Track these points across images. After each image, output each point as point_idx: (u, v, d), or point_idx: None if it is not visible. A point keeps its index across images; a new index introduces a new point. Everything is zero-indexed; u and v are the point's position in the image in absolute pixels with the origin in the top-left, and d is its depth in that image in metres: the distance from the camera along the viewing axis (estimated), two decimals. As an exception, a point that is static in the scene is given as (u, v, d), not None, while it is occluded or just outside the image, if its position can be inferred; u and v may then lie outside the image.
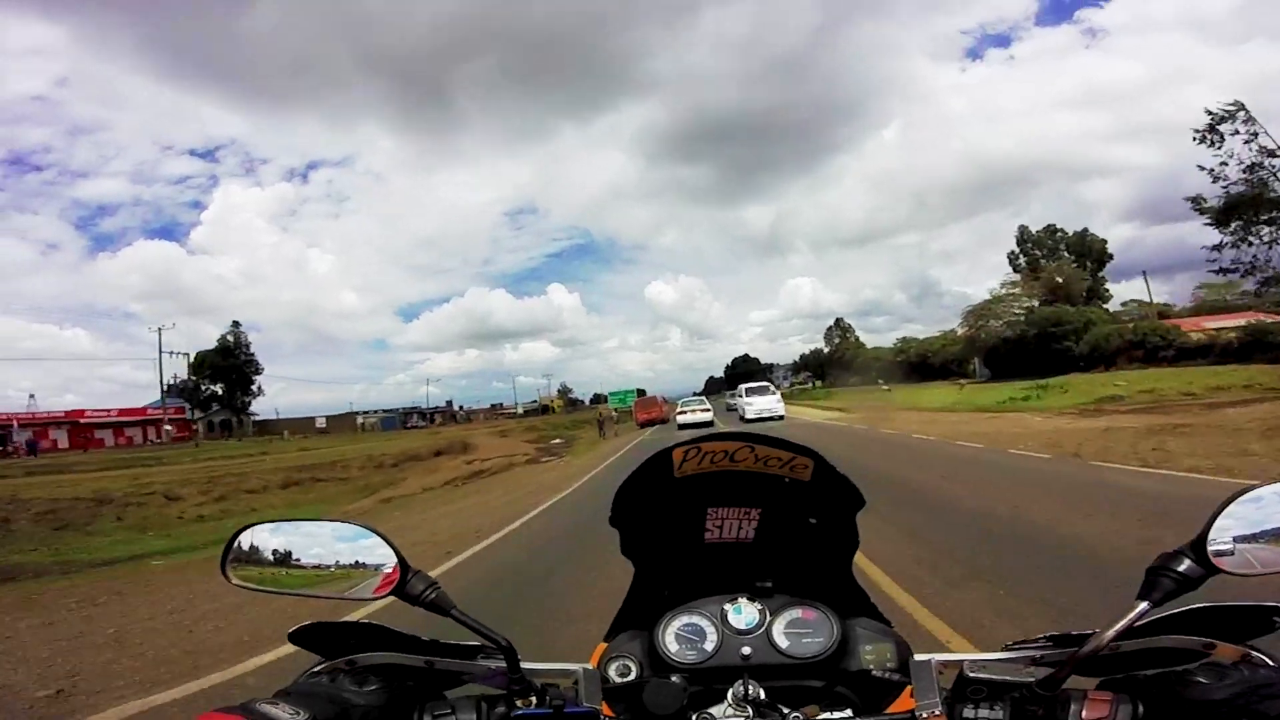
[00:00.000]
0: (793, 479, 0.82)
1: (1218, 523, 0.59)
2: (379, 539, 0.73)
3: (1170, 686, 0.60)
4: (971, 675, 0.65)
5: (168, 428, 54.80)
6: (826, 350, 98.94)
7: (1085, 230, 56.76)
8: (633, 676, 0.80)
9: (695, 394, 54.97)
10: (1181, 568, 0.59)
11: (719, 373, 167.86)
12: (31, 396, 56.26)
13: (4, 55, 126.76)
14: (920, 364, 66.17)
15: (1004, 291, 51.01)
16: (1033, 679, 0.62)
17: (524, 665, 0.71)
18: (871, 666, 0.79)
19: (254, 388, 65.88)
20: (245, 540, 0.75)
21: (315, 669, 0.71)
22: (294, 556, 0.74)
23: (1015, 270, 56.98)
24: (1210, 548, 0.59)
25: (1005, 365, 42.74)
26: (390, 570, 0.71)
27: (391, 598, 0.71)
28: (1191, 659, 0.62)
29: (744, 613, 0.83)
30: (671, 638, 0.83)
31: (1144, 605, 0.59)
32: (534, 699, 0.70)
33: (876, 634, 0.83)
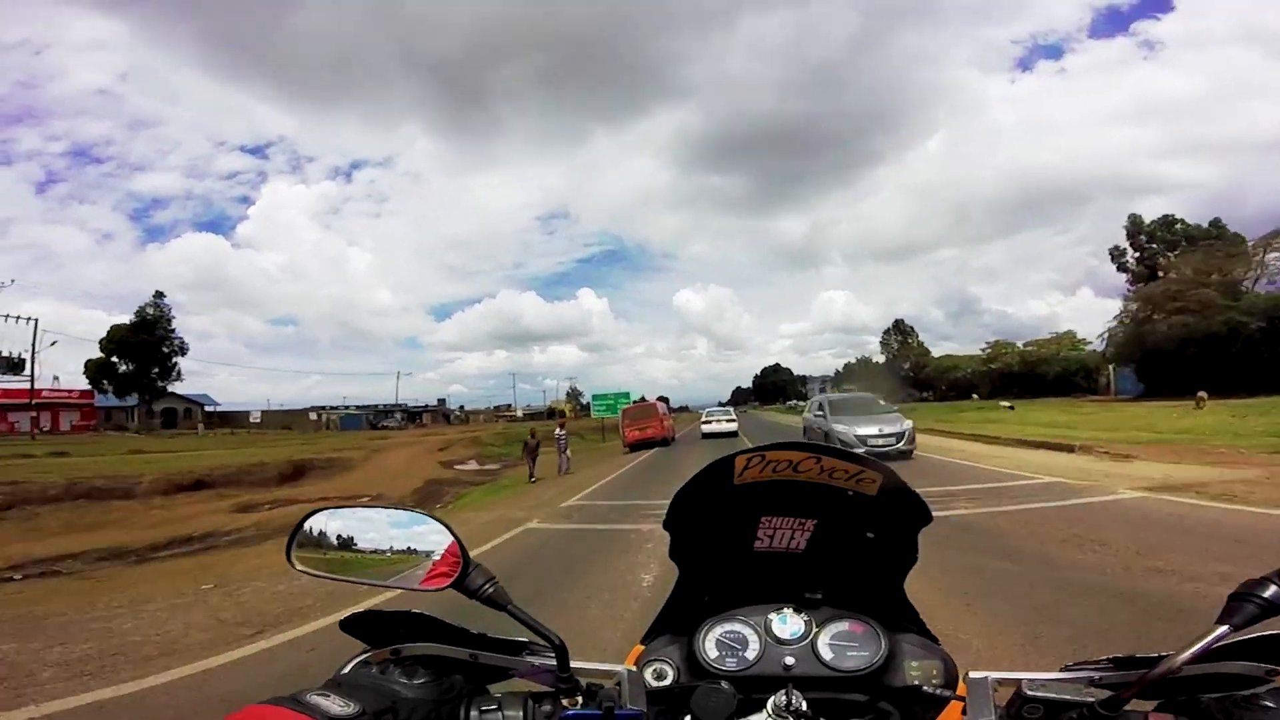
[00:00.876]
0: (856, 492, 0.80)
1: None
2: (442, 527, 0.74)
3: (1233, 711, 0.58)
4: (1029, 694, 0.63)
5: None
6: (884, 358, 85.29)
7: (1217, 222, 45.63)
8: (669, 681, 0.80)
9: (721, 404, 52.04)
10: (1267, 594, 0.57)
11: (746, 383, 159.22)
12: (56, 378, 50.38)
13: (67, 48, 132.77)
14: (1024, 376, 51.60)
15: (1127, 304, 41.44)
16: (1094, 699, 0.60)
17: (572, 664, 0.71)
18: (918, 682, 0.78)
19: (174, 369, 53.61)
20: (311, 525, 0.76)
21: (361, 657, 0.72)
22: (355, 543, 0.75)
23: (1122, 269, 49.14)
24: None
25: (1159, 376, 32.78)
26: (448, 559, 0.72)
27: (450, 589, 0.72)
28: (1254, 685, 0.60)
29: (789, 623, 0.83)
30: (712, 644, 0.82)
31: (1223, 629, 0.57)
32: (580, 699, 0.70)
33: (924, 650, 0.81)
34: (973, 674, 0.70)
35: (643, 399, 37.01)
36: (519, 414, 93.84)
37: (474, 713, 0.70)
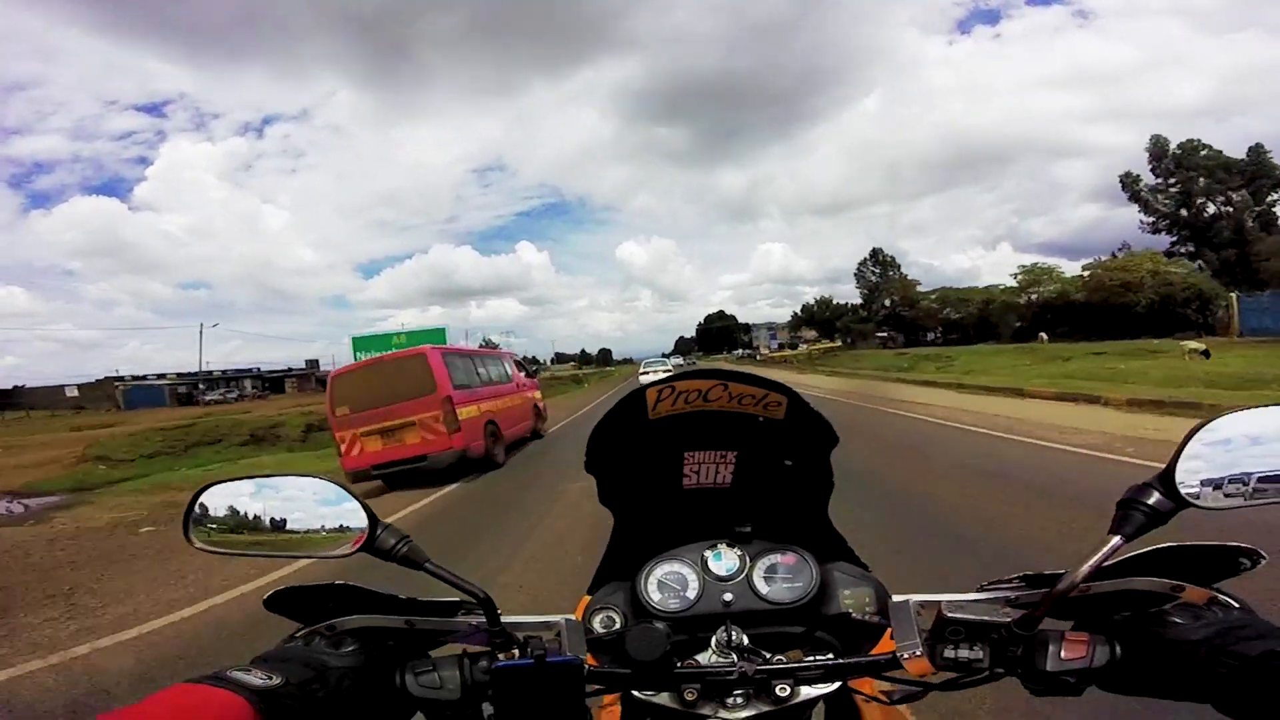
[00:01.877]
0: (767, 418, 0.81)
1: (1184, 454, 0.59)
2: (345, 493, 0.70)
3: (1145, 627, 0.60)
4: (950, 616, 0.64)
5: None
6: (860, 293, 70.63)
7: (1258, 148, 40.06)
8: (617, 627, 0.80)
9: (664, 355, 53.24)
10: (1151, 500, 0.59)
11: (690, 333, 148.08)
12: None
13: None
14: (1084, 308, 39.00)
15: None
16: (1010, 619, 0.62)
17: (505, 619, 0.70)
18: (851, 610, 0.80)
19: None
20: (206, 500, 0.71)
21: (294, 635, 0.70)
22: (258, 516, 0.71)
23: (1136, 199, 43.48)
24: (1178, 479, 0.58)
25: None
26: (361, 527, 0.69)
27: (362, 554, 0.68)
28: (1162, 601, 0.62)
29: (724, 559, 0.83)
30: (654, 586, 0.82)
31: (1116, 540, 0.58)
32: (516, 651, 0.69)
33: (855, 578, 0.83)
34: (895, 598, 0.71)
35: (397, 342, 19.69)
36: None
37: (408, 676, 0.68)
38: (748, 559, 0.82)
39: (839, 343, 69.81)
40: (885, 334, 63.31)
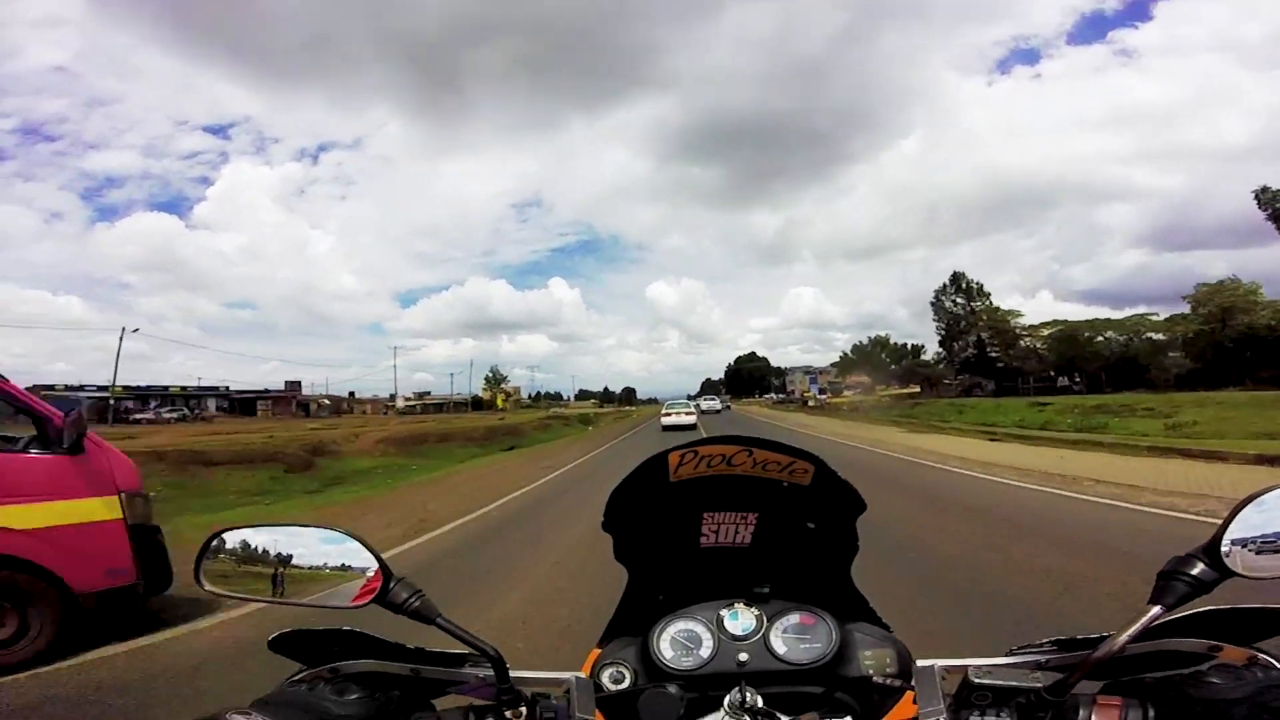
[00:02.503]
0: (791, 483, 0.80)
1: (1232, 526, 0.58)
2: (360, 545, 0.70)
3: (1180, 689, 0.58)
4: (976, 681, 0.63)
5: None
6: (940, 324, 54.91)
7: None
8: (626, 684, 0.78)
9: (690, 397, 50.37)
10: (1195, 571, 0.58)
11: (718, 374, 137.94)
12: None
13: (21, 25, 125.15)
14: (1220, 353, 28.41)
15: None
16: (1040, 684, 0.61)
17: (514, 674, 0.68)
18: (871, 672, 0.78)
19: None
20: (220, 544, 0.72)
21: (295, 677, 0.69)
22: (273, 562, 0.71)
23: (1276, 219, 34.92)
24: (1224, 550, 0.57)
25: None
26: (372, 576, 0.69)
27: (374, 605, 0.68)
28: (1198, 662, 0.61)
29: (741, 618, 0.81)
30: (667, 644, 0.80)
31: (1157, 609, 0.57)
32: (524, 709, 0.67)
33: (877, 639, 0.81)
34: (920, 662, 0.70)
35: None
36: (398, 403, 67.86)
37: None
38: (765, 619, 0.81)
39: (916, 388, 57.55)
40: (962, 379, 51.53)
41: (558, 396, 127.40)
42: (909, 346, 65.85)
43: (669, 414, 28.01)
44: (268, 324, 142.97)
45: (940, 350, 56.84)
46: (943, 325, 54.83)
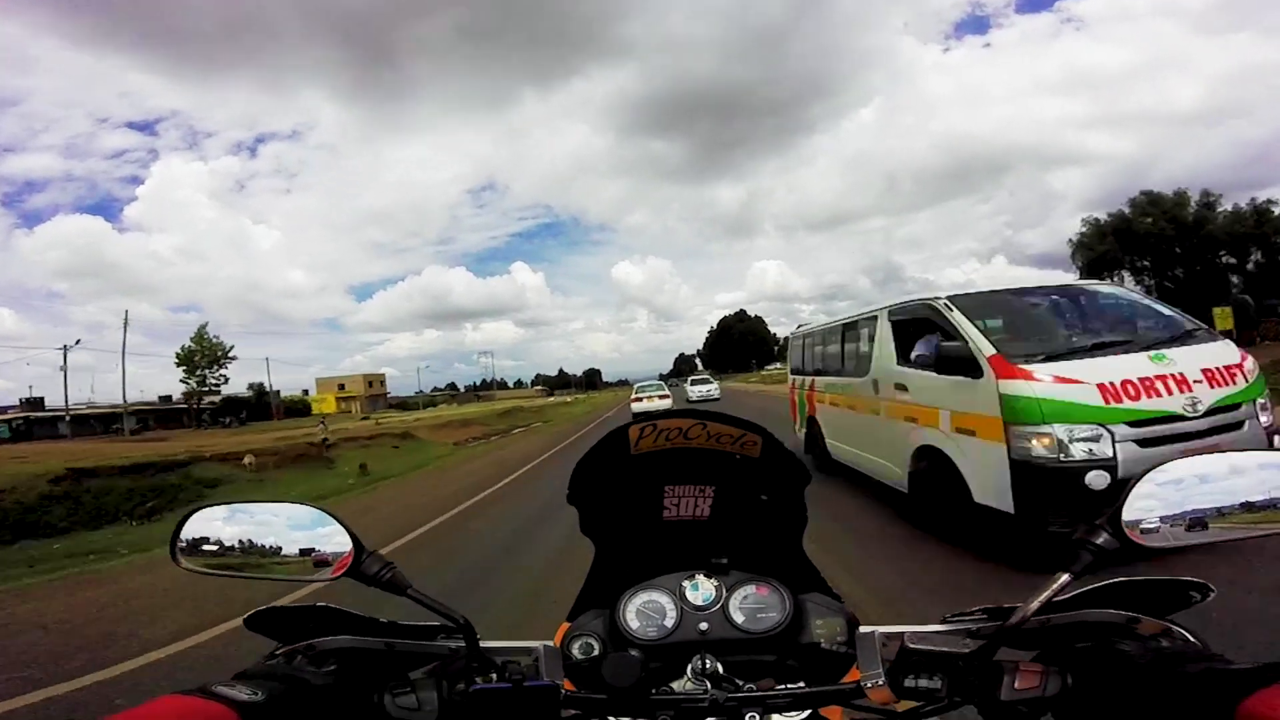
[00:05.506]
0: (743, 455, 0.86)
1: (1130, 498, 0.62)
2: (333, 520, 0.72)
3: (1097, 658, 0.63)
4: (911, 647, 0.68)
5: None
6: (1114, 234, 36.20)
7: None
8: (595, 654, 0.81)
9: (660, 376, 47.41)
10: (1099, 540, 0.62)
11: (690, 350, 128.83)
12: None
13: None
14: None
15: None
16: (967, 649, 0.66)
17: (484, 644, 0.72)
18: (822, 640, 0.81)
19: None
20: (195, 524, 0.74)
21: (274, 653, 0.71)
22: (246, 540, 0.73)
23: None
24: (1124, 521, 0.62)
25: None
26: (345, 552, 0.71)
27: (347, 579, 0.70)
28: (1117, 632, 0.65)
29: (701, 589, 0.85)
30: (633, 614, 0.84)
31: (1065, 577, 0.62)
32: (494, 675, 0.71)
33: (827, 609, 0.84)
34: (861, 629, 0.75)
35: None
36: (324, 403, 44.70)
37: (387, 697, 0.69)
38: (724, 589, 0.84)
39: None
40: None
41: (502, 385, 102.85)
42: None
43: (639, 398, 24.02)
44: (216, 326, 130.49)
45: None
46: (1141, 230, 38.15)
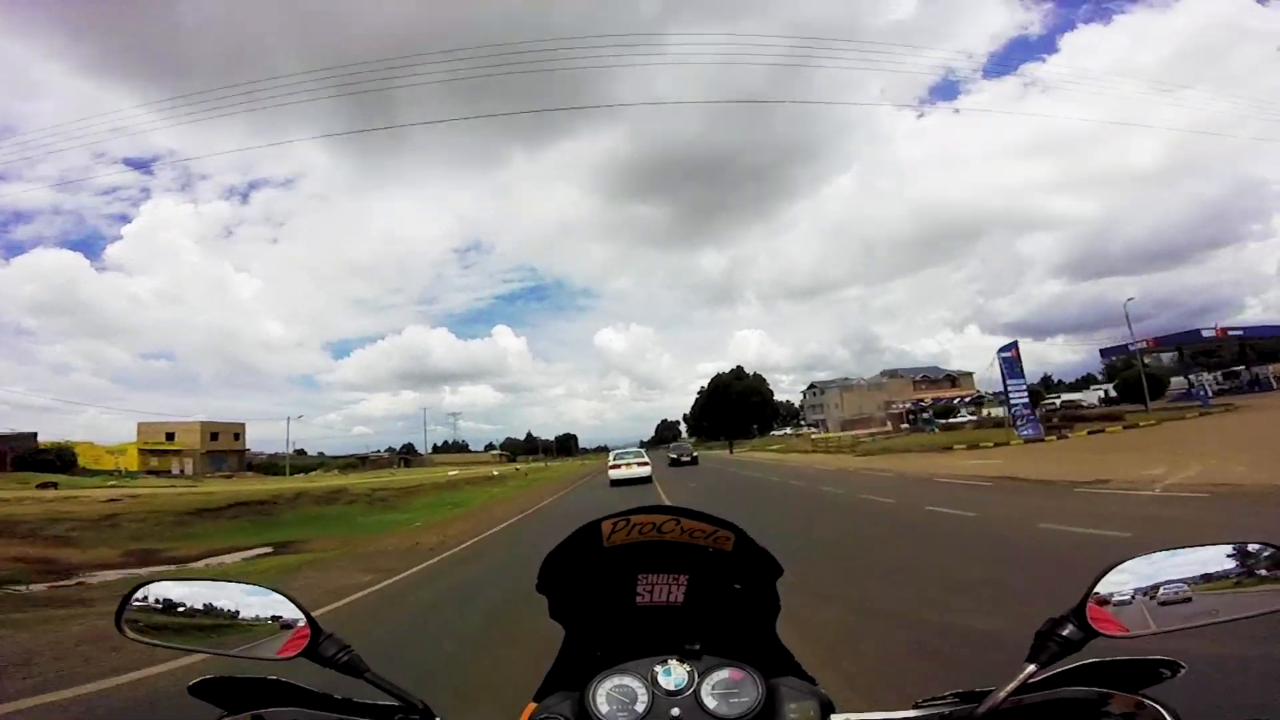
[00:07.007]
0: (716, 549, 0.87)
1: (1095, 591, 0.65)
2: (286, 600, 0.70)
3: None
4: None
5: None
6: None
7: None
8: None
9: (641, 442, 45.69)
10: (1065, 632, 0.64)
11: (674, 416, 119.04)
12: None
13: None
14: None
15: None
16: None
17: None
18: None
19: None
20: (144, 595, 0.71)
21: None
22: (196, 613, 0.70)
23: None
24: (1089, 613, 0.64)
25: None
26: (300, 629, 0.69)
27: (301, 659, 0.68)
28: (1091, 710, 0.66)
29: (674, 674, 0.83)
30: (603, 698, 0.81)
31: (1031, 667, 0.64)
32: None
33: (800, 692, 0.83)
34: (835, 717, 0.74)
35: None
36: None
37: None
38: (696, 675, 0.83)
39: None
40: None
41: (463, 448, 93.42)
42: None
43: (618, 465, 23.13)
44: (186, 375, 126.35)
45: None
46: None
